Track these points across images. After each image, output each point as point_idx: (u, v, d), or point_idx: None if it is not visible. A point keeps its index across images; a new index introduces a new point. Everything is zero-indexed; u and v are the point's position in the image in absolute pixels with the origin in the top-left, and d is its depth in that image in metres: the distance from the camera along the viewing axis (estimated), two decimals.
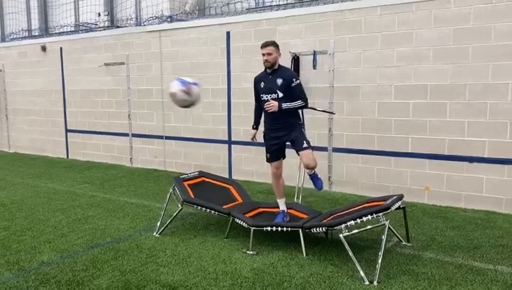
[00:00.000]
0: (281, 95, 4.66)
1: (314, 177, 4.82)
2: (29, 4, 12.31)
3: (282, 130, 4.75)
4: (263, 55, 4.68)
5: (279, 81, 4.66)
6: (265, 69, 4.79)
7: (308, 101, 4.80)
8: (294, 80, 4.68)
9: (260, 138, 5.07)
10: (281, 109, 4.60)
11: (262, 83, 4.80)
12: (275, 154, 4.87)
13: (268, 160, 4.92)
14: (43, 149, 11.14)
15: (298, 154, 4.72)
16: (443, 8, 5.85)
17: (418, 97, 6.13)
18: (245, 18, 7.70)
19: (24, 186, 7.63)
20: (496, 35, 5.55)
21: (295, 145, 4.71)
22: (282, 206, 4.94)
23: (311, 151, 4.65)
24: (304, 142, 4.64)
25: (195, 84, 4.49)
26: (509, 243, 4.57)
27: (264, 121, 4.94)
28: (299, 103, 4.67)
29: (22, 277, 3.89)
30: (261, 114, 4.99)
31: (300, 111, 4.94)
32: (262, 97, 4.79)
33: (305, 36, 6.97)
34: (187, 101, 4.49)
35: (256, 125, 5.09)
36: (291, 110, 4.65)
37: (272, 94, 4.70)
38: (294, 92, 4.67)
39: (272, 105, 4.59)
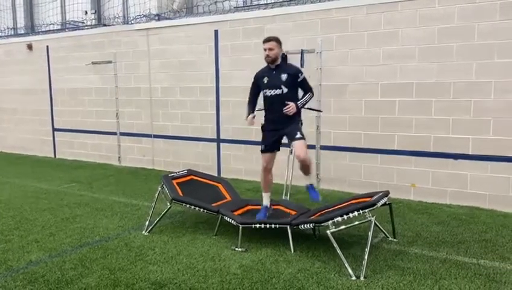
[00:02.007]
0: (285, 90, 4.65)
1: (310, 189, 4.89)
2: (15, 2, 12.17)
3: (280, 123, 4.73)
4: (265, 50, 4.67)
5: (284, 76, 4.65)
6: (268, 65, 4.76)
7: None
8: (300, 74, 4.71)
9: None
10: (299, 108, 4.66)
11: (266, 78, 4.75)
12: (270, 145, 4.84)
13: (263, 151, 4.87)
14: (30, 148, 11.04)
15: (291, 146, 4.73)
16: (428, 8, 5.94)
17: (404, 95, 6.22)
18: (233, 17, 7.72)
19: (11, 185, 7.57)
20: (479, 34, 5.65)
21: (289, 136, 4.70)
22: (266, 201, 4.96)
23: (304, 142, 4.63)
24: (298, 133, 4.63)
25: None
26: (492, 237, 4.68)
27: (264, 115, 4.90)
28: (309, 95, 4.76)
29: (10, 277, 3.88)
30: (256, 104, 4.93)
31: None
32: (266, 93, 4.75)
33: (293, 35, 7.01)
34: None
35: (252, 111, 4.92)
36: (303, 105, 4.73)
37: (276, 90, 4.66)
38: (303, 85, 4.75)
39: (292, 108, 4.59)
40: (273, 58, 4.66)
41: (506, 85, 5.57)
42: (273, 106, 4.73)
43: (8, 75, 11.14)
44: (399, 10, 6.15)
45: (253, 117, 4.89)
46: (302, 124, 4.82)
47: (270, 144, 4.84)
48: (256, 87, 4.88)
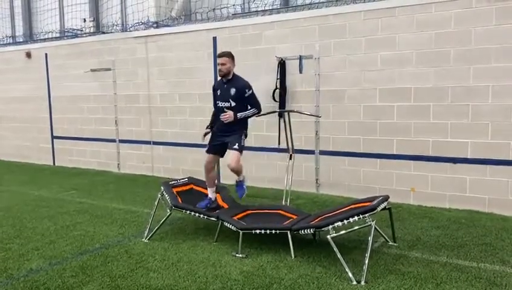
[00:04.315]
0: (233, 104, 5.01)
1: (238, 186, 5.34)
2: (13, 10, 12.19)
3: (225, 133, 5.09)
4: (218, 64, 5.01)
5: (233, 90, 5.00)
6: (221, 78, 5.09)
7: (262, 107, 5.19)
8: (247, 90, 5.02)
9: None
10: (236, 119, 4.96)
11: (219, 90, 5.14)
12: (214, 148, 5.22)
13: (207, 151, 5.27)
14: (28, 156, 11.02)
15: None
16: (425, 13, 5.98)
17: (402, 100, 6.25)
18: (231, 23, 7.76)
19: (10, 193, 7.56)
20: (476, 38, 5.69)
21: (229, 145, 5.07)
22: (211, 194, 5.25)
23: (237, 154, 5.00)
24: (236, 144, 5.01)
25: None
26: (492, 241, 4.69)
27: (215, 122, 5.27)
28: (252, 110, 5.09)
29: (10, 285, 3.87)
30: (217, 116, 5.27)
31: (249, 120, 5.24)
32: (218, 104, 5.13)
33: (291, 41, 7.05)
34: None
35: (211, 126, 5.35)
36: (243, 118, 5.05)
37: (225, 102, 5.05)
38: (249, 101, 5.05)
39: (228, 116, 4.94)
40: (225, 72, 5.02)
41: (503, 89, 5.60)
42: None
43: (6, 83, 11.15)
44: (396, 15, 6.19)
45: (205, 134, 5.36)
46: (246, 136, 5.18)
47: (213, 147, 5.22)
48: (214, 98, 5.24)
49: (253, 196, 6.81)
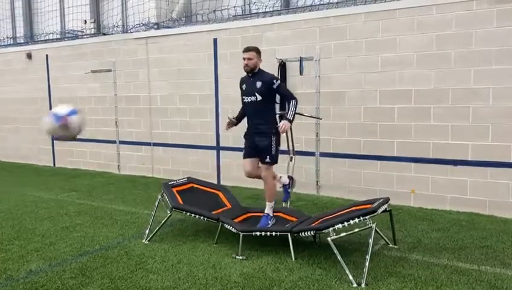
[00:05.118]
0: (259, 98, 4.80)
1: (284, 189, 5.25)
2: (14, 11, 12.21)
3: (255, 135, 4.91)
4: (244, 59, 4.84)
5: (259, 84, 4.80)
6: (247, 73, 4.94)
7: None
8: (274, 81, 4.80)
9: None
10: (291, 121, 4.74)
11: (244, 85, 4.97)
12: (247, 151, 5.02)
13: (243, 156, 5.08)
14: (28, 157, 11.02)
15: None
16: (426, 15, 5.98)
17: (403, 102, 6.24)
18: (232, 25, 7.76)
19: (10, 195, 7.55)
20: (477, 40, 5.69)
21: (260, 155, 4.91)
22: (268, 211, 4.96)
23: (267, 166, 4.85)
24: (268, 157, 4.81)
25: (72, 113, 3.98)
26: (492, 244, 4.68)
27: (242, 118, 5.15)
28: (293, 103, 4.79)
29: (9, 286, 3.86)
30: (245, 114, 5.12)
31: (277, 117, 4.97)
32: (244, 99, 4.97)
33: (292, 42, 7.05)
34: (67, 136, 4.08)
35: (236, 119, 5.16)
36: (294, 115, 4.77)
37: (251, 97, 4.85)
38: (280, 93, 4.85)
39: (284, 126, 4.68)
40: (251, 68, 4.83)
41: (504, 91, 5.59)
42: (249, 113, 4.96)
43: (7, 84, 11.15)
44: (396, 17, 6.19)
45: (229, 123, 5.13)
46: (275, 136, 4.83)
47: (247, 150, 5.03)
48: (241, 92, 5.07)
49: (253, 198, 6.81)
